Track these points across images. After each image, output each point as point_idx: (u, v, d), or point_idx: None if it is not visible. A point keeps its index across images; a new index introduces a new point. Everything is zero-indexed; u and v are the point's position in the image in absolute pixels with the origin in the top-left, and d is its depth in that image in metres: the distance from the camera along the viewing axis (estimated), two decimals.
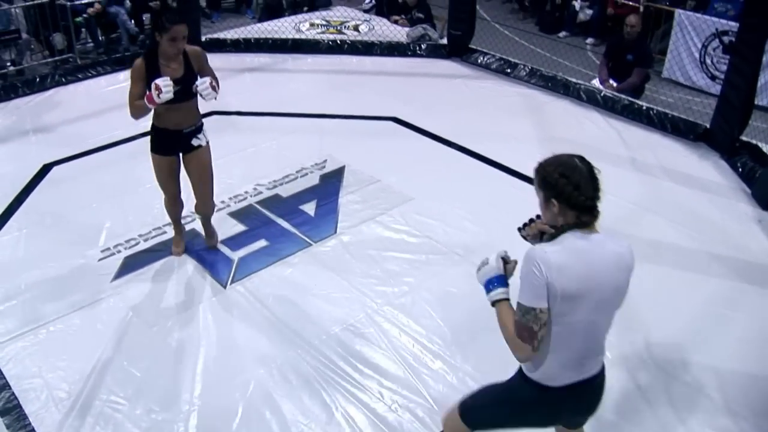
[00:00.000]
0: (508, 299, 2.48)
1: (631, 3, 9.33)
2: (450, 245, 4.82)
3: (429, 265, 4.66)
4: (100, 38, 10.11)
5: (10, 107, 7.26)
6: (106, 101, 6.87)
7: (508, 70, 7.87)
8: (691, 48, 8.52)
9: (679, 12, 8.71)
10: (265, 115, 6.84)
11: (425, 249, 4.81)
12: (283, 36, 8.88)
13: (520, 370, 2.59)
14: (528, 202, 5.23)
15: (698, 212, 5.29)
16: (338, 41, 8.72)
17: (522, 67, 7.83)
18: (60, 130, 6.62)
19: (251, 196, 5.43)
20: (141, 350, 4.00)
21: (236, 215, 5.20)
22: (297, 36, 8.93)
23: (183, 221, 4.85)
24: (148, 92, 3.95)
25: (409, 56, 8.48)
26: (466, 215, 5.17)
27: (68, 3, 9.22)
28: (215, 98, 4.15)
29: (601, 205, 2.37)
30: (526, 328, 2.34)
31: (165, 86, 3.89)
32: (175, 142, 4.30)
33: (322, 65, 8.27)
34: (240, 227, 5.04)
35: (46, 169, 5.87)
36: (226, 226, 5.00)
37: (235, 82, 7.73)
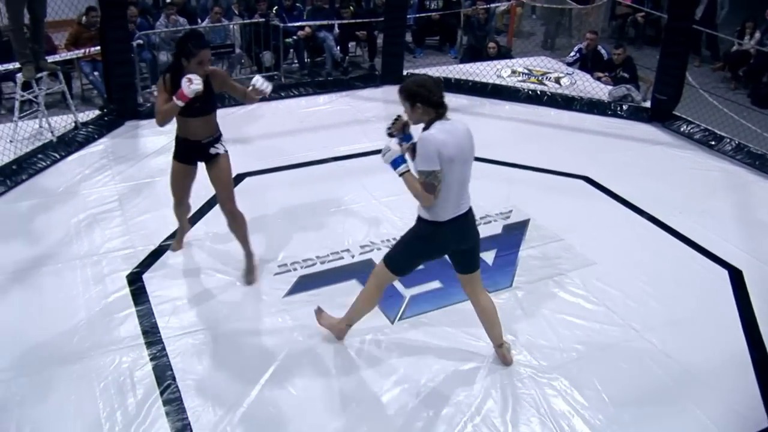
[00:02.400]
0: (410, 170, 3.66)
1: None
2: (627, 318, 4.67)
3: (602, 335, 4.53)
4: (306, 60, 10.68)
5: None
6: (304, 121, 7.18)
7: (713, 143, 7.54)
8: None
9: None
10: None
11: (600, 318, 4.69)
12: (484, 80, 8.99)
13: (418, 218, 3.78)
14: (716, 286, 5.05)
15: None
16: (538, 92, 8.71)
17: (728, 140, 7.48)
18: (257, 143, 7.03)
19: None
20: (300, 369, 4.16)
21: None
22: (497, 81, 9.02)
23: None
24: (179, 90, 4.27)
25: (609, 115, 8.33)
26: (648, 289, 4.98)
27: (281, 24, 9.81)
28: (268, 91, 4.65)
29: None
30: (430, 185, 3.56)
31: (195, 79, 4.26)
32: (195, 151, 4.66)
33: (519, 114, 8.28)
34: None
35: (239, 178, 6.19)
36: None
37: None
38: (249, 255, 4.93)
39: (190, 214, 5.27)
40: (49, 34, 8.57)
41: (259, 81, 4.61)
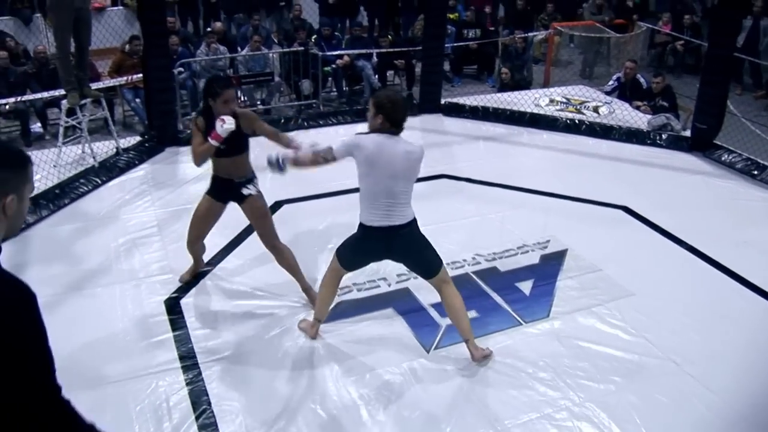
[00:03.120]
0: (286, 169, 4.27)
1: None
2: (666, 350, 4.58)
3: (641, 367, 4.45)
4: (344, 89, 10.77)
5: (255, 142, 7.85)
6: None
7: (755, 172, 7.42)
8: None
9: None
10: (493, 186, 6.92)
11: (639, 350, 4.60)
12: (522, 108, 8.98)
13: (359, 223, 4.09)
14: (759, 319, 4.95)
15: None
16: (576, 121, 8.68)
17: None
18: (295, 171, 7.06)
19: (469, 264, 5.50)
20: (335, 397, 4.15)
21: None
22: (535, 110, 9.00)
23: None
24: (212, 131, 4.44)
25: (648, 145, 8.25)
26: (688, 321, 4.89)
27: (320, 53, 9.91)
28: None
29: None
30: (314, 158, 4.16)
31: (228, 120, 4.43)
32: (227, 190, 4.78)
33: (557, 143, 8.25)
34: None
35: (276, 206, 6.26)
36: None
37: (468, 149, 7.94)
38: (306, 289, 4.97)
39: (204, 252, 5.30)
40: (93, 62, 8.76)
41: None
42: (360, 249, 4.23)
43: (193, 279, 5.26)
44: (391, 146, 3.90)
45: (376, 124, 3.95)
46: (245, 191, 4.78)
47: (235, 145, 4.64)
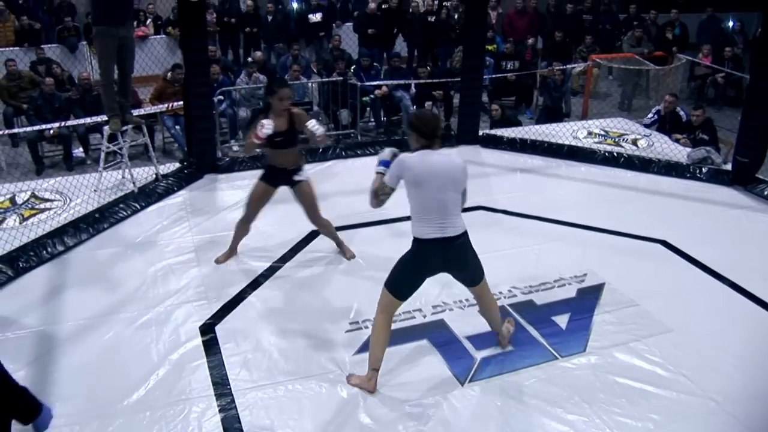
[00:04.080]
0: (383, 174, 4.32)
1: None
2: (706, 389, 4.48)
3: (680, 405, 4.35)
4: (382, 119, 10.82)
5: None
6: None
7: None
8: None
9: None
10: (530, 218, 6.87)
11: (678, 387, 4.51)
12: (560, 141, 8.92)
13: (413, 239, 4.25)
14: None
15: None
16: (615, 153, 8.59)
17: None
18: (332, 200, 7.07)
19: (505, 297, 5.44)
20: (366, 428, 4.12)
21: None
22: (573, 143, 8.94)
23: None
24: (255, 131, 5.16)
25: (688, 178, 8.12)
26: (730, 359, 4.78)
27: (359, 83, 9.99)
28: (319, 133, 5.38)
29: None
30: (377, 193, 4.35)
31: (267, 123, 5.13)
32: (280, 177, 5.60)
33: (595, 176, 8.17)
34: (488, 327, 5.02)
35: (313, 235, 6.28)
36: (476, 323, 5.00)
37: (505, 181, 7.90)
38: (339, 243, 6.05)
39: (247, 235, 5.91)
40: (135, 89, 8.92)
41: (312, 124, 5.38)
42: (416, 265, 4.31)
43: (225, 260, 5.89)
44: (433, 160, 4.16)
45: (414, 143, 4.26)
46: (297, 177, 5.59)
47: (289, 140, 5.42)
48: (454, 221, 4.18)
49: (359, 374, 4.46)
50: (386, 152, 4.42)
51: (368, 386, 4.37)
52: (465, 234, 4.25)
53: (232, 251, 5.94)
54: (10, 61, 10.52)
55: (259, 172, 5.76)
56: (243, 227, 5.82)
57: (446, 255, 4.21)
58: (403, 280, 4.33)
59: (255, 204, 5.68)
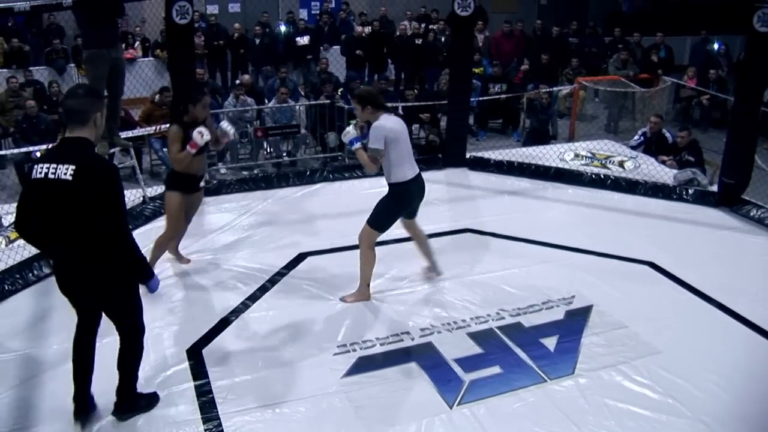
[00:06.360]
0: (360, 147, 5.32)
1: None
2: (696, 411, 4.47)
3: (669, 427, 4.34)
4: None
5: (280, 195, 7.95)
6: (367, 202, 7.20)
7: None
8: None
9: None
10: (518, 240, 6.87)
11: (666, 409, 4.50)
12: (547, 163, 8.96)
13: (390, 185, 5.35)
14: None
15: None
16: (602, 175, 8.64)
17: None
18: (319, 223, 7.10)
19: (493, 320, 5.43)
20: None
21: (475, 337, 5.21)
22: (560, 165, 8.98)
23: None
24: (191, 141, 5.32)
25: (674, 200, 8.17)
26: (718, 380, 4.78)
27: (346, 106, 10.02)
28: (231, 135, 5.92)
29: None
30: (375, 159, 5.18)
31: (204, 131, 5.34)
32: (192, 183, 5.72)
33: (582, 198, 8.20)
34: (477, 349, 5.05)
35: (301, 257, 6.28)
36: (464, 346, 5.02)
37: (493, 203, 7.92)
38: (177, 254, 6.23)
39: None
40: (128, 110, 8.93)
41: (225, 124, 5.79)
42: (405, 202, 5.43)
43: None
44: (395, 120, 5.32)
45: (368, 116, 5.26)
46: (201, 183, 5.89)
47: (206, 145, 5.61)
48: (414, 162, 5.41)
49: (351, 293, 5.59)
50: (351, 131, 5.42)
51: (365, 297, 5.56)
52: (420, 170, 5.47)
53: (176, 257, 6.20)
54: (12, 78, 10.87)
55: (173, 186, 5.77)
56: (174, 243, 6.06)
57: (420, 187, 5.42)
58: (390, 219, 5.42)
59: (178, 216, 5.75)
